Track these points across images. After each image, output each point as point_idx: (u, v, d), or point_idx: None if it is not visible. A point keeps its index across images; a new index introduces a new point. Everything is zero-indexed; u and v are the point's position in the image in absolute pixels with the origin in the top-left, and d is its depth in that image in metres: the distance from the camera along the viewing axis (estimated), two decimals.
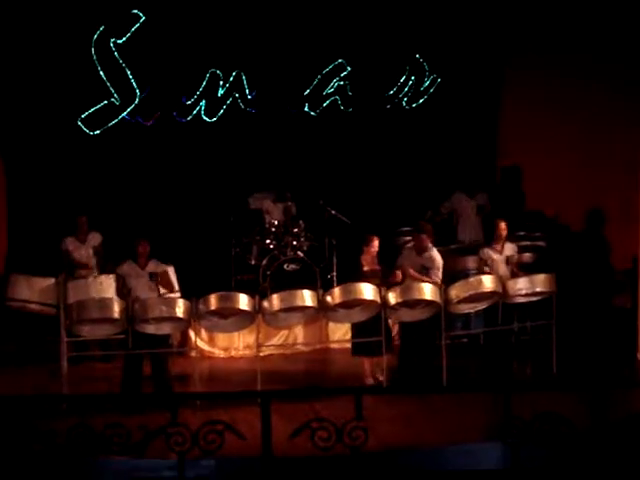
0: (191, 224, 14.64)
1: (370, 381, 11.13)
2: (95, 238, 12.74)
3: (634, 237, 12.23)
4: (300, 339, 12.83)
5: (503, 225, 11.70)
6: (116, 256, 11.96)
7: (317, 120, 15.35)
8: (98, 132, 14.58)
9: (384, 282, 11.05)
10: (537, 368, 11.72)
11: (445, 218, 13.88)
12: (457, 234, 13.85)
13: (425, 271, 11.19)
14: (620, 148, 13.79)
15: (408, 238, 12.42)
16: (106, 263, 12.20)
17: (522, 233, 13.54)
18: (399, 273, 11.18)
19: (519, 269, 11.75)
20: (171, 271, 11.62)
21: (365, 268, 11.21)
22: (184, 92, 14.83)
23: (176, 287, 11.87)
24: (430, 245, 11.41)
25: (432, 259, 11.26)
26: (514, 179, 15.32)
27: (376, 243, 11.36)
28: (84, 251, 12.64)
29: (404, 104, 15.56)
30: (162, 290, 10.93)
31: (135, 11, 14.44)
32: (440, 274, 11.20)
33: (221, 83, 14.93)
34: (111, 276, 11.49)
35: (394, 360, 11.25)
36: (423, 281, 10.99)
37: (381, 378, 11.02)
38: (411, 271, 11.17)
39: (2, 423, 7.07)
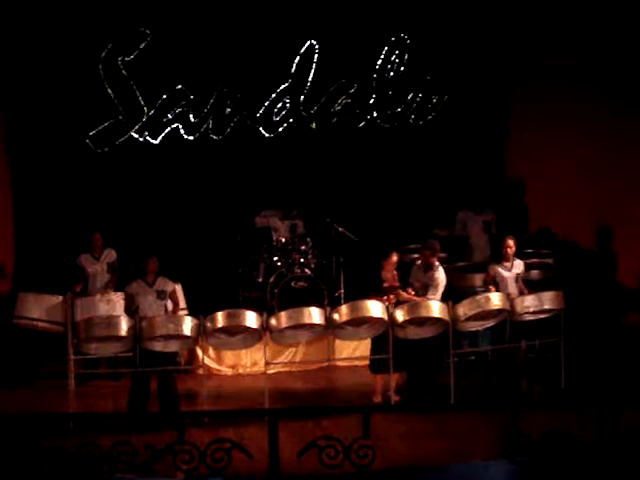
0: (198, 242, 14.62)
1: (378, 399, 11.10)
2: (110, 255, 12.73)
3: None
4: (307, 357, 12.79)
5: (511, 242, 11.63)
6: (125, 274, 11.97)
7: (324, 137, 15.35)
8: (106, 150, 14.60)
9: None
10: (545, 386, 11.68)
11: (460, 235, 13.82)
12: (467, 251, 13.79)
13: (425, 289, 11.22)
14: (628, 165, 13.79)
15: (416, 255, 12.41)
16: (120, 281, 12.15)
17: (530, 250, 13.50)
18: (411, 291, 11.21)
19: (525, 286, 11.70)
20: (179, 289, 11.65)
21: (385, 284, 11.20)
22: (191, 110, 14.84)
23: (183, 304, 11.92)
24: (437, 263, 11.43)
25: (433, 277, 11.29)
26: (517, 194, 15.28)
27: (394, 259, 11.38)
28: (99, 267, 12.63)
29: (412, 121, 15.57)
30: (169, 305, 10.92)
31: (142, 29, 14.47)
32: (439, 294, 11.22)
33: (228, 102, 14.96)
34: (119, 294, 11.52)
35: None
36: (413, 301, 11.02)
37: (395, 398, 10.99)
38: (400, 292, 11.18)
39: (10, 441, 7.06)
